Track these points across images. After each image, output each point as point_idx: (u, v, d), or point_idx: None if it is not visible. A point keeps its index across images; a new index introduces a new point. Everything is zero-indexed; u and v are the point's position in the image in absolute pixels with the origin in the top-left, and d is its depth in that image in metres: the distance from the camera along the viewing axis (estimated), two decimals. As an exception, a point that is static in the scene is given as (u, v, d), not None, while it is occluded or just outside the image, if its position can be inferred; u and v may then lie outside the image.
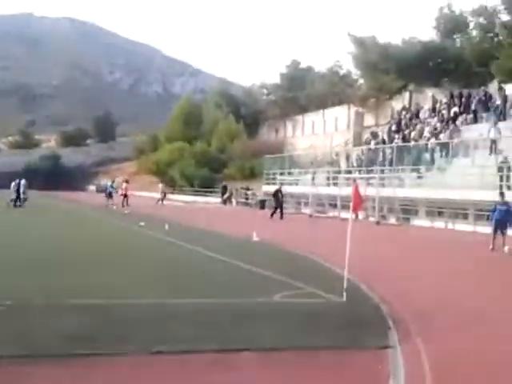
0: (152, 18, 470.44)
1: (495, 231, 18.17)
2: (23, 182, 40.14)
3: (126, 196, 42.74)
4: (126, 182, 46.25)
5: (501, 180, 25.31)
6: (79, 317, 8.00)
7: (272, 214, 32.68)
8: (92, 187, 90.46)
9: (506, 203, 18.47)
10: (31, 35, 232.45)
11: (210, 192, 59.02)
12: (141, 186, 71.36)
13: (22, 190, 39.61)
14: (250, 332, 7.54)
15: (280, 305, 9.40)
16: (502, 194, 19.10)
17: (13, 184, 39.44)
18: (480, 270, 14.78)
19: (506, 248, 17.43)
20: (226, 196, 53.12)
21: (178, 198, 61.57)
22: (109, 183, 47.91)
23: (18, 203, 38.60)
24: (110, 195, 43.81)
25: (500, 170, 25.85)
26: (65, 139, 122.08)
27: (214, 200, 55.41)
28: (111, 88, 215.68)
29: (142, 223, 25.73)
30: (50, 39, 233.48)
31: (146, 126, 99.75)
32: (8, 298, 8.80)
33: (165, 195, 51.17)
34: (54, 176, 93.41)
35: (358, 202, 10.25)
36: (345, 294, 9.61)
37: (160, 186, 53.16)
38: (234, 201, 51.97)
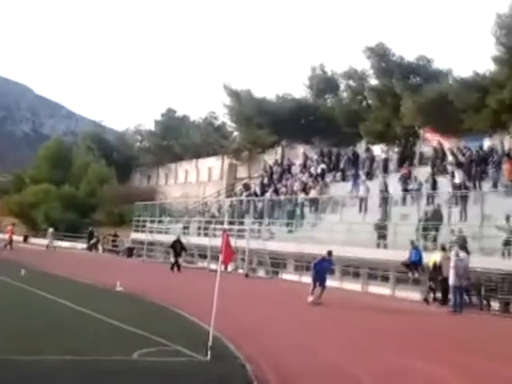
0: (25, 55, 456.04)
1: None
2: None
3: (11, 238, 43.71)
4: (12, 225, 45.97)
5: (378, 238, 25.76)
6: None
7: (172, 267, 30.87)
8: None
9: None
10: None
11: (76, 237, 56.54)
12: (0, 228, 67.21)
13: None
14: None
15: (138, 364, 8.62)
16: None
17: None
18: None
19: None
20: (92, 242, 51.04)
21: (39, 242, 58.51)
22: None
23: None
24: None
25: (377, 227, 26.28)
26: None
27: (80, 245, 53.10)
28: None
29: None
30: None
31: (13, 166, 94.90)
32: None
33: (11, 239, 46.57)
34: None
35: (229, 253, 9.72)
36: (209, 352, 9.00)
37: (9, 227, 48.23)
38: (100, 247, 50.03)
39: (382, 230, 25.87)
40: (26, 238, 62.37)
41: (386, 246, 25.29)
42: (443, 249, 20.89)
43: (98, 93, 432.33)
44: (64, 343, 9.67)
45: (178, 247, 31.65)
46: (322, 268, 19.40)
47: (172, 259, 31.71)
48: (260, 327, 13.25)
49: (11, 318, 12.00)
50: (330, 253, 20.02)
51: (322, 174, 37.83)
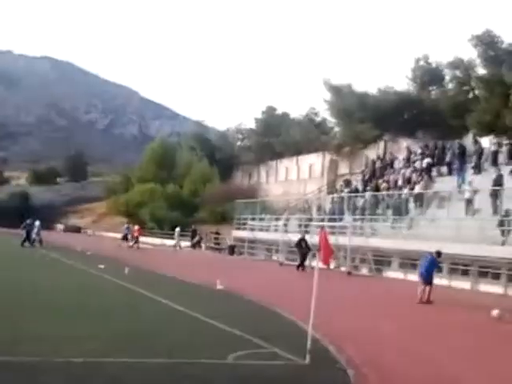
0: (131, 59, 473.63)
1: None
2: (37, 222, 40.27)
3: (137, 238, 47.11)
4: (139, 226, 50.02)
5: (502, 234, 24.28)
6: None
7: (298, 266, 29.67)
8: (60, 226, 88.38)
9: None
10: (9, 73, 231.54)
11: (181, 235, 57.56)
12: (110, 227, 69.76)
13: (35, 231, 39.73)
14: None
15: (232, 368, 8.21)
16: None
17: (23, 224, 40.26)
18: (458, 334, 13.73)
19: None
20: (195, 240, 51.78)
21: (146, 241, 60.02)
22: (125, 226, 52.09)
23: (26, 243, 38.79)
24: (125, 237, 48.82)
25: (502, 223, 24.76)
26: (36, 177, 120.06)
27: (184, 244, 53.97)
28: (87, 128, 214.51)
29: (102, 266, 24.45)
30: (28, 77, 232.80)
31: (120, 167, 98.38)
32: None
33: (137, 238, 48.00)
34: (23, 214, 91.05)
35: (328, 252, 9.11)
36: (308, 355, 8.50)
37: (136, 227, 49.87)
38: (203, 245, 50.65)
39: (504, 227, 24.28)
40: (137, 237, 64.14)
41: (503, 243, 23.68)
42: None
43: (200, 93, 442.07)
44: (158, 344, 9.44)
45: (303, 246, 30.15)
46: (428, 266, 18.37)
47: (298, 260, 30.44)
48: (362, 329, 12.49)
49: (105, 317, 11.99)
50: (439, 254, 18.86)
51: (427, 168, 36.37)
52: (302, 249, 30.05)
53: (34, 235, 39.48)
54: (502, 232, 24.15)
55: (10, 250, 37.57)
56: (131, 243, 46.64)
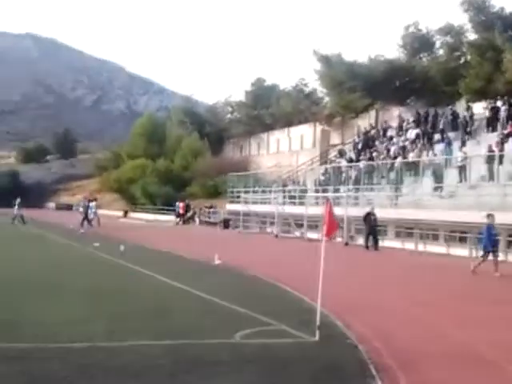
0: (116, 35, 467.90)
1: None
2: (92, 204, 40.62)
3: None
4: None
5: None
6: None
7: (367, 245, 26.74)
8: (51, 204, 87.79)
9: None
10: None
11: (173, 210, 57.28)
12: (102, 204, 69.16)
13: (92, 211, 39.76)
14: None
15: (241, 347, 7.90)
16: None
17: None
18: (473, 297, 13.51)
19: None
20: (188, 215, 51.51)
21: (138, 216, 59.76)
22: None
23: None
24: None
25: None
26: (24, 156, 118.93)
27: (177, 219, 53.68)
28: (74, 105, 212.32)
29: (97, 244, 24.15)
30: (11, 55, 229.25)
31: (109, 144, 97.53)
32: None
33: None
34: (13, 193, 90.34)
35: (333, 225, 8.78)
36: (318, 331, 8.25)
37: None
38: (197, 220, 50.38)
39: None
40: (125, 213, 63.92)
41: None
42: None
43: (188, 67, 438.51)
44: (160, 325, 9.15)
45: (371, 220, 27.07)
46: (488, 235, 17.04)
47: (364, 238, 27.54)
48: (369, 302, 12.20)
49: (103, 298, 11.69)
50: (490, 216, 17.29)
51: (420, 137, 36.13)
52: (370, 224, 27.05)
53: (91, 215, 39.43)
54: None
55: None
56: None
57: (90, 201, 41.65)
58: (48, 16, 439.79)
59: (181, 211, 51.36)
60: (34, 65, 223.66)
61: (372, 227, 27.00)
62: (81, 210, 40.89)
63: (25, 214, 42.80)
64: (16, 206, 42.86)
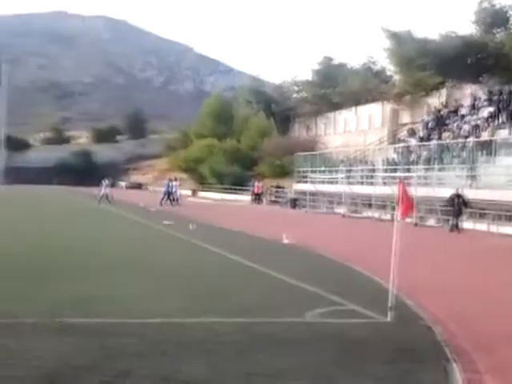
0: (184, 15, 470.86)
1: None
2: (175, 183, 42.62)
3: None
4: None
5: None
6: (68, 344, 6.66)
7: (452, 228, 25.89)
8: (122, 183, 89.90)
9: None
10: (65, 33, 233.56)
11: (240, 190, 57.71)
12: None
13: (174, 190, 41.90)
14: (275, 365, 6.11)
15: (312, 326, 7.91)
16: None
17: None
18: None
19: None
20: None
21: (206, 196, 60.50)
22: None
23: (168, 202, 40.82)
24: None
25: None
26: (96, 136, 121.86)
27: (244, 198, 54.09)
28: (143, 85, 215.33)
29: (168, 222, 24.57)
30: (83, 37, 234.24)
31: (178, 124, 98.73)
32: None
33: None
34: (86, 172, 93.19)
35: (408, 205, 8.62)
36: (390, 313, 8.15)
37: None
38: (264, 199, 50.56)
39: None
40: (194, 192, 64.81)
41: None
42: None
43: (254, 47, 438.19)
44: (231, 303, 9.23)
45: (457, 203, 25.83)
46: None
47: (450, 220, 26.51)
48: (442, 283, 11.96)
49: (176, 276, 11.82)
50: None
51: (494, 115, 35.01)
52: (456, 206, 25.94)
53: (175, 195, 41.60)
54: None
55: (76, 206, 38.43)
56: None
57: (171, 180, 43.18)
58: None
59: (256, 190, 51.22)
60: (105, 46, 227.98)
61: (457, 211, 26.12)
62: (163, 189, 42.40)
63: (108, 192, 42.09)
64: (103, 186, 41.91)
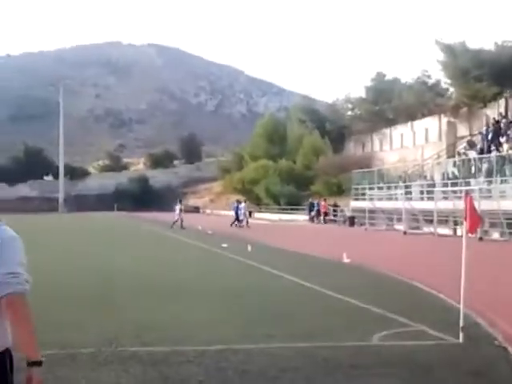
0: (234, 40, 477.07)
1: None
2: (243, 205, 43.42)
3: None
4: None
5: None
6: (128, 374, 6.51)
7: None
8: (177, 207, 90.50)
9: None
10: (120, 63, 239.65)
11: (297, 209, 57.39)
12: (227, 206, 70.58)
13: (242, 212, 42.77)
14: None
15: (379, 350, 7.55)
16: None
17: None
18: None
19: None
20: (313, 213, 51.37)
21: (263, 217, 60.36)
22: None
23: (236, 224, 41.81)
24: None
25: None
26: (152, 161, 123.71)
27: (301, 217, 53.74)
28: (196, 110, 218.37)
29: (225, 245, 24.45)
30: (137, 66, 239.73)
31: (231, 146, 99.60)
32: (53, 344, 7.18)
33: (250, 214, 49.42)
34: (143, 197, 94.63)
35: (475, 220, 8.21)
36: (461, 333, 7.73)
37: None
38: (321, 218, 50.10)
39: None
40: (250, 214, 64.77)
41: None
42: None
43: (304, 66, 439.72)
44: (294, 327, 8.93)
45: None
46: None
47: None
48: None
49: (234, 299, 11.57)
50: None
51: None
52: None
53: (241, 216, 42.45)
54: None
55: (129, 230, 38.80)
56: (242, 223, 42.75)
57: (240, 202, 44.15)
58: (169, 26, 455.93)
59: (322, 209, 48.70)
60: (158, 73, 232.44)
61: None
62: (221, 212, 43.30)
63: (171, 217, 42.06)
64: (177, 211, 41.03)
